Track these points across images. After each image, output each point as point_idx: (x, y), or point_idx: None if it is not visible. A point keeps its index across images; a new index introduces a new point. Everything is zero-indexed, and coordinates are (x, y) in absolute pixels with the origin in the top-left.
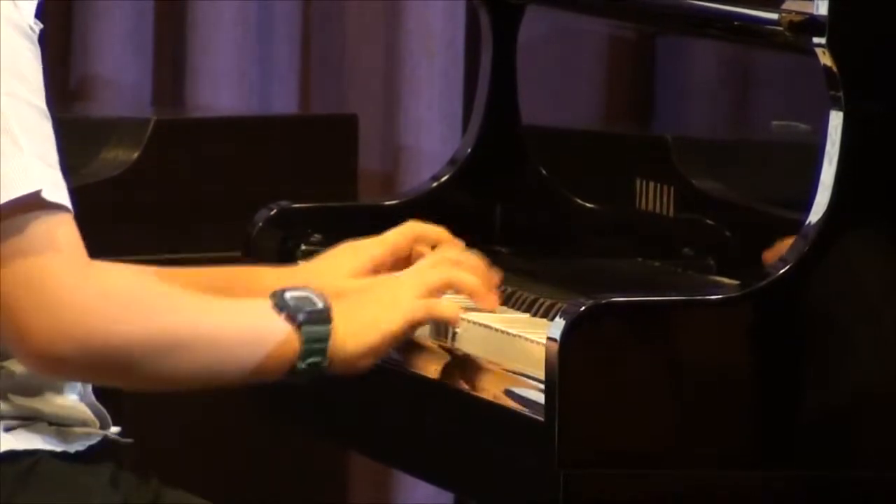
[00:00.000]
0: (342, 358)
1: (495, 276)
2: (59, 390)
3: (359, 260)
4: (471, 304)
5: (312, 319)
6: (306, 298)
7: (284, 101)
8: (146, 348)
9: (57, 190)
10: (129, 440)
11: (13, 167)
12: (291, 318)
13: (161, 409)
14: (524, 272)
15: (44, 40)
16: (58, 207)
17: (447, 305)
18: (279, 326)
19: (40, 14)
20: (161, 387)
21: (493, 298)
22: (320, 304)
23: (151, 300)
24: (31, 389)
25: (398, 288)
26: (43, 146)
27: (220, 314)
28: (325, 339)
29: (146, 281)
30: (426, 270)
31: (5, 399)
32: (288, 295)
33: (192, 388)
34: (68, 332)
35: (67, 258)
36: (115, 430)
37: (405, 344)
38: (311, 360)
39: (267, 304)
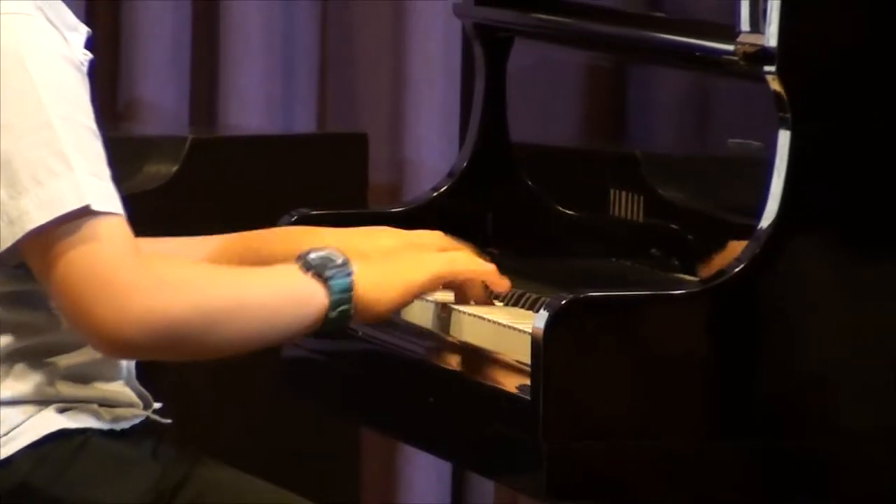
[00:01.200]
0: (365, 305)
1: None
2: (107, 379)
3: (395, 238)
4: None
5: (337, 273)
6: (327, 256)
7: (304, 121)
8: (198, 323)
9: (106, 199)
10: (168, 420)
11: (65, 186)
12: (318, 275)
13: (196, 388)
14: (513, 271)
15: (93, 68)
16: (108, 213)
17: (467, 261)
18: (310, 284)
19: (90, 45)
20: (218, 355)
21: (506, 282)
22: (340, 259)
23: (198, 280)
24: (82, 378)
25: (423, 253)
26: (94, 162)
27: (259, 284)
28: (349, 289)
29: (190, 265)
30: (452, 252)
31: (60, 386)
32: (312, 255)
33: (246, 352)
34: (131, 316)
35: (122, 253)
36: (156, 405)
37: (412, 333)
38: (340, 308)
39: (295, 268)
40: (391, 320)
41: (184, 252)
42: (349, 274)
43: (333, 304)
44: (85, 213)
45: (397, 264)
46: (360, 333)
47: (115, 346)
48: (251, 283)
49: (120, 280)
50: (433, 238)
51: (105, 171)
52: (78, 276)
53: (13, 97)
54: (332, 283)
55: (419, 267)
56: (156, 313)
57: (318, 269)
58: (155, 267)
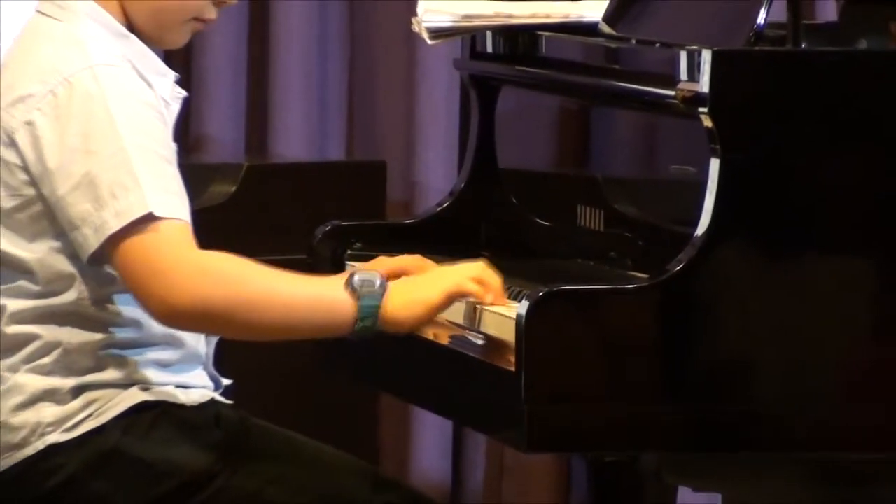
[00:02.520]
0: (391, 323)
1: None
2: (187, 367)
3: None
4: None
5: (368, 294)
6: (368, 279)
7: (336, 151)
8: (233, 307)
9: (168, 207)
10: (230, 402)
11: (134, 199)
12: (354, 292)
13: (250, 367)
14: (501, 269)
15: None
16: (169, 218)
17: (474, 285)
18: (342, 296)
19: (181, 84)
20: (251, 337)
21: (505, 299)
22: (377, 283)
23: (236, 274)
24: (164, 366)
25: (443, 273)
26: (163, 180)
27: (294, 287)
28: (375, 308)
29: (235, 260)
30: (468, 267)
31: (144, 372)
32: (356, 277)
33: (276, 340)
34: (177, 299)
35: (177, 249)
36: (226, 382)
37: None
38: (363, 323)
39: (340, 281)
40: None
41: None
42: (380, 297)
43: (359, 318)
44: (149, 218)
45: (420, 288)
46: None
47: (167, 320)
48: (289, 283)
49: (172, 270)
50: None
51: (173, 187)
52: (141, 266)
53: (97, 130)
54: (362, 301)
55: (435, 290)
56: (195, 298)
57: (355, 288)
58: (202, 260)
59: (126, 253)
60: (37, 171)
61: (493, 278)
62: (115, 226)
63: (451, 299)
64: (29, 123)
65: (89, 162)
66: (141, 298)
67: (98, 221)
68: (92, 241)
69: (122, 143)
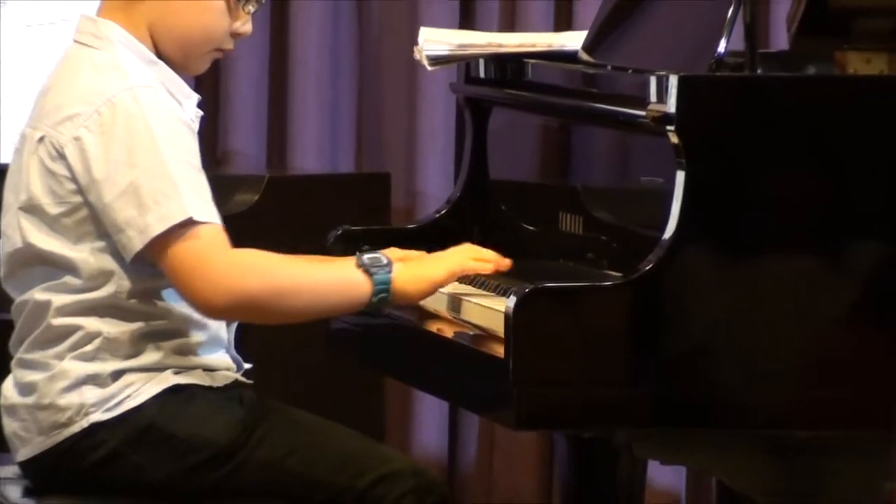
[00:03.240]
0: (401, 294)
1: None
2: (211, 351)
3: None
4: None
5: (379, 271)
6: (376, 257)
7: (346, 164)
8: (266, 297)
9: (204, 212)
10: (251, 381)
11: (175, 205)
12: (366, 270)
13: (269, 351)
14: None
15: (203, 123)
16: (205, 223)
17: (473, 262)
18: (359, 277)
19: (202, 106)
20: (285, 321)
21: (508, 262)
22: (385, 261)
23: (267, 266)
24: (191, 352)
25: (444, 254)
26: (197, 189)
27: (319, 272)
28: (387, 282)
29: (264, 254)
30: (464, 247)
31: (175, 357)
32: (365, 256)
33: (307, 321)
34: (217, 292)
35: (213, 248)
36: (247, 366)
37: (424, 313)
38: (379, 296)
39: (352, 263)
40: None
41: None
42: (389, 272)
43: (375, 293)
44: (189, 222)
45: (425, 266)
46: (385, 312)
47: (209, 312)
48: (312, 270)
49: (210, 267)
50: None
51: (206, 194)
52: (184, 265)
53: (139, 145)
54: (375, 277)
55: (440, 268)
56: (234, 290)
57: (367, 267)
58: (236, 256)
59: (170, 254)
60: (84, 181)
61: (488, 252)
62: (158, 229)
63: (453, 276)
64: (77, 139)
65: (133, 173)
66: (185, 295)
67: (142, 225)
68: (136, 242)
69: (161, 156)
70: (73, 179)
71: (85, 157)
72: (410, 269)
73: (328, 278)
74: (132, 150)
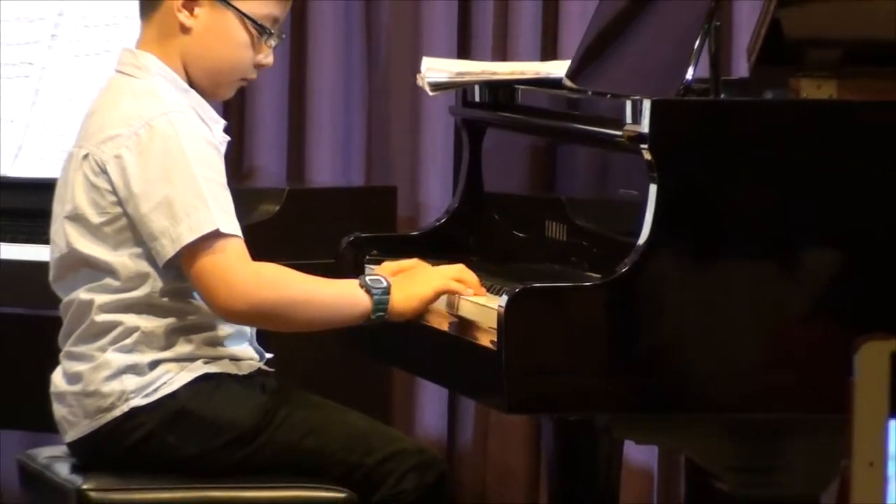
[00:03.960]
0: (396, 312)
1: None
2: (237, 343)
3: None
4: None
5: (378, 292)
6: (377, 279)
7: (357, 178)
8: (279, 308)
9: (229, 226)
10: (272, 370)
11: (204, 218)
12: (367, 291)
13: (289, 346)
14: (486, 271)
15: (229, 146)
16: (230, 235)
17: (456, 283)
18: (361, 296)
19: (227, 131)
20: (293, 330)
21: (483, 291)
22: (384, 283)
23: (283, 280)
24: (219, 344)
25: (433, 273)
26: (223, 204)
27: (326, 289)
28: (385, 303)
29: (281, 269)
30: (449, 268)
31: (205, 349)
32: (367, 278)
33: (314, 331)
34: (236, 300)
35: (235, 260)
36: (268, 356)
37: (429, 310)
38: (377, 314)
39: (356, 283)
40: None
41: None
42: (387, 294)
43: (374, 311)
44: (216, 234)
45: (416, 287)
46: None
47: (227, 316)
48: (321, 286)
49: (231, 276)
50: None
51: (231, 209)
52: (208, 272)
53: (173, 163)
54: (374, 297)
55: (428, 288)
56: (252, 298)
57: (368, 287)
58: (256, 268)
59: (197, 261)
60: (123, 195)
61: (472, 276)
62: (188, 238)
63: (438, 294)
64: (118, 157)
65: (167, 188)
66: (206, 299)
67: (174, 234)
68: (169, 249)
69: (193, 174)
70: (114, 192)
71: (124, 173)
72: (404, 290)
73: (334, 295)
74: (167, 167)
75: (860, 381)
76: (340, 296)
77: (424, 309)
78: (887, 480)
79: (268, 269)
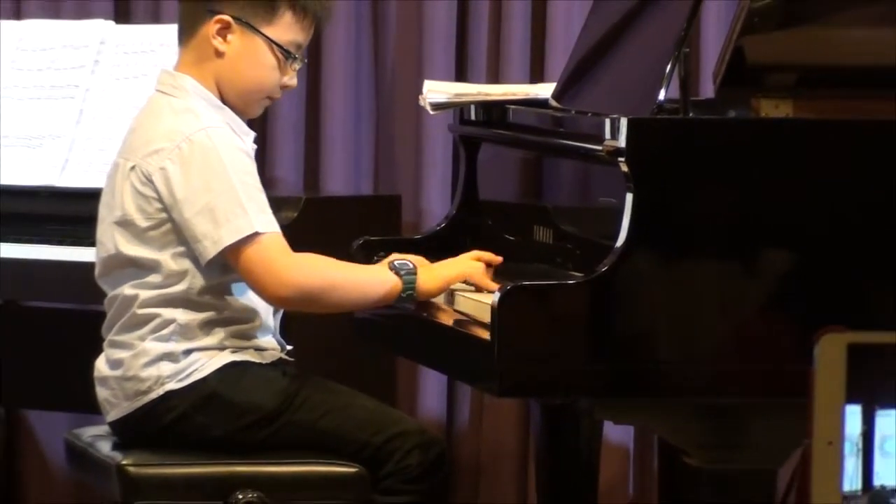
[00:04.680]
0: (423, 291)
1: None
2: (262, 335)
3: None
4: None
5: (407, 273)
6: (405, 263)
7: (366, 188)
8: (321, 289)
9: (267, 224)
10: (293, 359)
11: (243, 221)
12: (396, 272)
13: (307, 337)
14: None
15: (256, 155)
16: (268, 232)
17: (476, 270)
18: (391, 276)
19: (256, 141)
20: (336, 311)
21: (494, 286)
22: (411, 266)
23: (322, 267)
24: (246, 337)
25: (454, 261)
26: (260, 205)
27: (361, 273)
28: (413, 282)
29: (320, 257)
30: (468, 258)
31: (233, 339)
32: (396, 262)
33: (351, 310)
34: (281, 286)
35: (276, 252)
36: (289, 348)
37: (428, 305)
38: (407, 292)
39: (386, 266)
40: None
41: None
42: (414, 275)
43: (404, 290)
44: (255, 234)
45: (441, 269)
46: (396, 307)
47: (276, 302)
48: (356, 271)
49: (276, 266)
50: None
51: (267, 208)
52: (254, 266)
53: (213, 173)
54: (404, 277)
55: (452, 271)
56: (297, 284)
57: (397, 270)
58: (298, 258)
59: (242, 259)
60: (168, 202)
61: (487, 254)
62: (228, 241)
63: (461, 278)
64: (162, 169)
65: (208, 195)
66: (257, 289)
67: (216, 237)
68: (211, 250)
69: (231, 181)
70: (160, 200)
71: (169, 183)
72: (430, 271)
73: (368, 276)
74: (207, 177)
75: (820, 369)
76: (374, 277)
77: (447, 288)
78: (843, 458)
79: (308, 258)
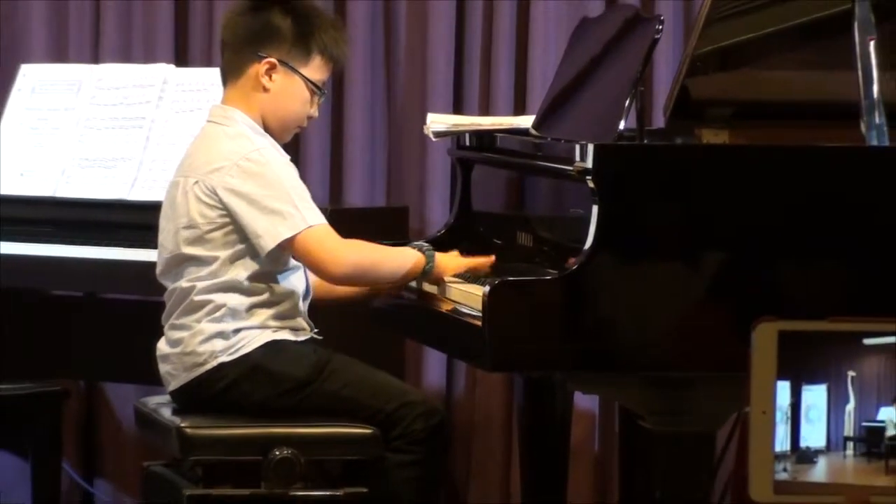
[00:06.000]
0: (439, 270)
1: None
2: (296, 318)
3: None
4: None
5: (428, 252)
6: (426, 245)
7: (380, 200)
8: (370, 266)
9: (316, 217)
10: (321, 338)
11: (297, 218)
12: (422, 251)
13: (331, 322)
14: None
15: None
16: (318, 224)
17: (481, 266)
18: (417, 254)
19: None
20: (377, 283)
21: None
22: (431, 248)
23: (365, 246)
24: (283, 318)
25: (466, 259)
26: (309, 203)
27: (393, 251)
28: (433, 259)
29: (361, 242)
30: (468, 260)
31: (274, 320)
32: (419, 243)
33: (389, 282)
34: (340, 265)
35: (327, 237)
36: (315, 330)
37: (429, 297)
38: (428, 267)
39: (412, 249)
40: (421, 290)
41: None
42: (433, 254)
43: (426, 263)
44: (307, 227)
45: (452, 260)
46: (404, 297)
47: (331, 279)
48: (390, 251)
49: (329, 248)
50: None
51: (313, 205)
52: (311, 252)
53: (269, 183)
54: (427, 254)
55: (462, 262)
56: (349, 264)
57: (422, 249)
58: (347, 242)
59: (300, 248)
60: (233, 208)
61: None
62: (285, 234)
63: (466, 267)
64: (225, 182)
65: (266, 200)
66: (317, 270)
67: (274, 232)
68: (270, 243)
69: (284, 188)
70: (223, 207)
71: (233, 194)
72: (444, 258)
73: (401, 255)
74: (264, 185)
75: (755, 351)
76: (405, 255)
77: (453, 273)
78: (775, 424)
79: (353, 242)
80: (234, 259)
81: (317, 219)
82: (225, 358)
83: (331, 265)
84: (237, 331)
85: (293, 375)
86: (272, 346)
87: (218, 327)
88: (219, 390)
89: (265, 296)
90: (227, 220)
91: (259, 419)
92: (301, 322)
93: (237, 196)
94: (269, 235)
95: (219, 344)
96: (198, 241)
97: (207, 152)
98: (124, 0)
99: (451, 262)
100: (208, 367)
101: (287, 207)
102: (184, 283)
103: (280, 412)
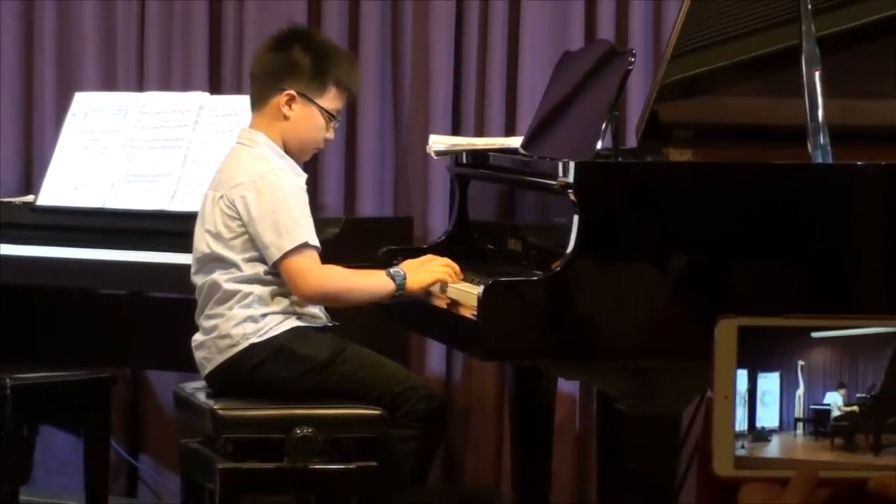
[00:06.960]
0: (409, 292)
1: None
2: (316, 306)
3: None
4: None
5: (399, 278)
6: (397, 270)
7: (388, 210)
8: (339, 292)
9: (312, 240)
10: (338, 324)
11: (298, 234)
12: (392, 278)
13: (347, 316)
14: (470, 270)
15: (308, 188)
16: (313, 247)
17: (444, 274)
18: (388, 280)
19: (308, 181)
20: (349, 306)
21: (461, 278)
22: (402, 273)
23: (339, 275)
24: (302, 305)
25: (431, 267)
26: (309, 226)
27: (366, 277)
28: (403, 286)
29: (337, 268)
30: (440, 260)
31: (297, 307)
32: (391, 270)
33: (360, 306)
34: (309, 287)
35: (311, 262)
36: (332, 322)
37: (429, 294)
38: (398, 293)
39: (382, 273)
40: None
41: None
42: (404, 279)
43: (396, 289)
44: (304, 244)
45: (420, 277)
46: (399, 300)
47: (306, 299)
48: (363, 277)
49: (307, 274)
50: (441, 260)
51: (313, 229)
52: (293, 271)
53: (278, 201)
54: (397, 282)
55: (428, 278)
56: (321, 288)
57: (392, 276)
58: (323, 269)
59: (287, 263)
60: (246, 220)
61: (455, 266)
62: (288, 246)
63: (435, 281)
64: (242, 197)
65: (275, 216)
66: (291, 288)
67: (279, 244)
68: (275, 254)
69: (291, 207)
70: (240, 218)
71: (247, 207)
72: (414, 277)
73: (371, 281)
74: (274, 202)
75: (718, 344)
76: (375, 283)
77: (427, 289)
78: (735, 408)
79: (330, 269)
80: (252, 260)
81: (314, 241)
82: (255, 339)
83: (303, 289)
84: (265, 315)
85: (315, 357)
86: (296, 331)
87: (248, 312)
88: (248, 369)
89: (283, 287)
90: (243, 230)
91: (282, 401)
92: (315, 311)
93: (250, 210)
94: (276, 247)
95: (249, 327)
96: (222, 245)
97: (232, 170)
98: (165, 36)
99: (417, 282)
100: (240, 347)
101: (291, 223)
102: (215, 277)
103: (301, 391)
